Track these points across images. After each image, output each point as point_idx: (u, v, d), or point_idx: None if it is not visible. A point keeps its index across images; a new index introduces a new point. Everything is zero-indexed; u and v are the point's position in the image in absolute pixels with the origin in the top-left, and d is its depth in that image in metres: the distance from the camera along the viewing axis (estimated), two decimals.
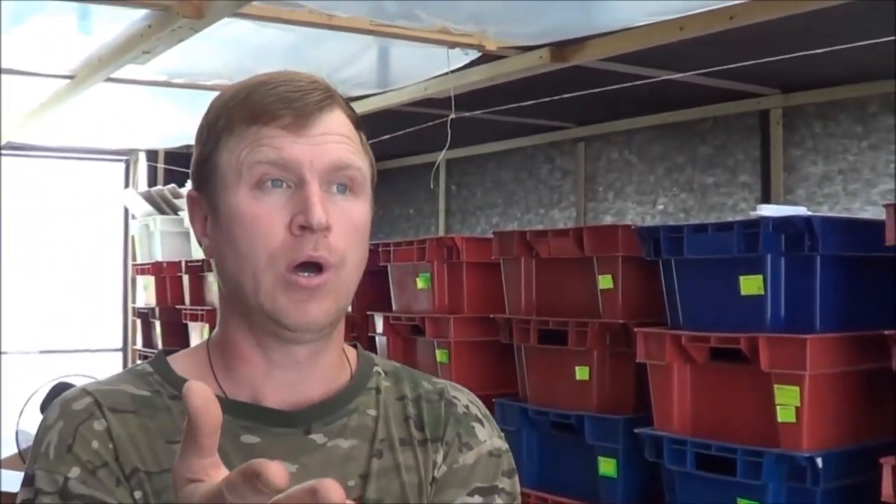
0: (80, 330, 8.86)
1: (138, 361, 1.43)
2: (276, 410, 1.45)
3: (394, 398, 1.56)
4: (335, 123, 1.42)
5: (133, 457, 1.38)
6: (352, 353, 1.60)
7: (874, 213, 5.13)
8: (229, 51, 5.11)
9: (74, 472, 1.35)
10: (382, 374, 1.59)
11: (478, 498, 1.50)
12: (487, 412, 1.62)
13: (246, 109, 1.41)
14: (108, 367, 8.67)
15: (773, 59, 4.58)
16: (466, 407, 1.58)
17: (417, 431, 1.53)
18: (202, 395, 0.99)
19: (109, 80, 5.51)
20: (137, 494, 1.36)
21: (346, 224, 1.41)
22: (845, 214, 5.29)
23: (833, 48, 4.30)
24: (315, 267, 1.38)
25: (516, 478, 1.57)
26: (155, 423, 1.41)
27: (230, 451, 1.37)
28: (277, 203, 1.38)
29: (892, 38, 4.08)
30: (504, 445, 1.58)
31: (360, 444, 1.48)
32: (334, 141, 1.41)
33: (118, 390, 1.45)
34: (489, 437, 1.56)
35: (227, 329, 1.48)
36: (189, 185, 1.52)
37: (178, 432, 1.38)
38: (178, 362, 1.51)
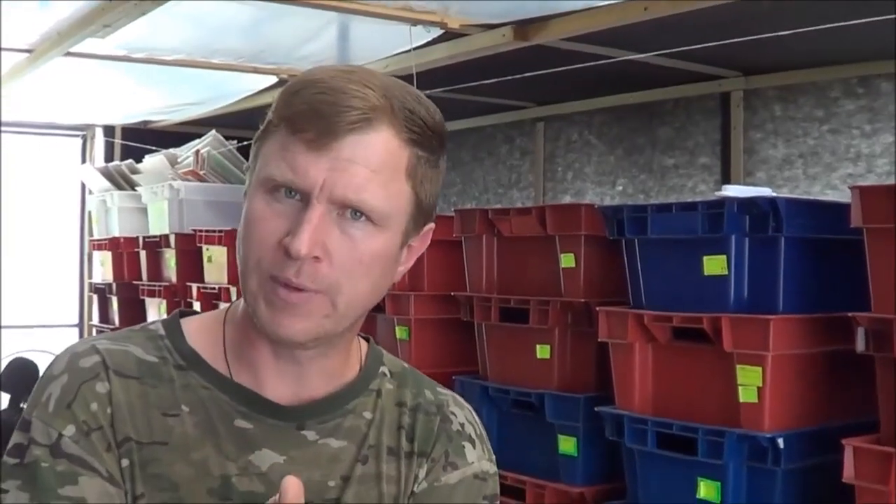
0: (35, 305, 8.78)
1: (153, 320, 1.44)
2: (273, 403, 1.45)
3: (393, 403, 1.55)
4: (366, 150, 1.34)
5: (128, 425, 1.39)
6: (363, 346, 1.58)
7: (834, 196, 5.15)
8: (190, 26, 5.06)
9: (69, 430, 1.36)
10: (388, 374, 1.58)
11: None
12: (483, 432, 1.60)
13: (286, 108, 1.37)
14: (64, 342, 8.58)
15: (734, 41, 4.58)
16: (462, 425, 1.57)
17: (407, 443, 1.52)
18: (296, 494, 1.16)
19: (68, 54, 5.46)
20: (124, 462, 1.38)
21: (348, 253, 1.36)
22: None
23: (795, 31, 4.30)
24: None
25: (498, 503, 1.57)
26: (156, 393, 1.42)
27: (221, 431, 1.41)
28: (283, 212, 1.35)
29: (854, 21, 4.10)
30: (492, 469, 1.58)
31: (349, 446, 1.48)
32: (354, 172, 1.34)
33: (126, 351, 1.45)
34: (478, 458, 1.56)
35: (245, 310, 1.46)
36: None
37: (176, 405, 1.41)
38: (193, 331, 1.50)
